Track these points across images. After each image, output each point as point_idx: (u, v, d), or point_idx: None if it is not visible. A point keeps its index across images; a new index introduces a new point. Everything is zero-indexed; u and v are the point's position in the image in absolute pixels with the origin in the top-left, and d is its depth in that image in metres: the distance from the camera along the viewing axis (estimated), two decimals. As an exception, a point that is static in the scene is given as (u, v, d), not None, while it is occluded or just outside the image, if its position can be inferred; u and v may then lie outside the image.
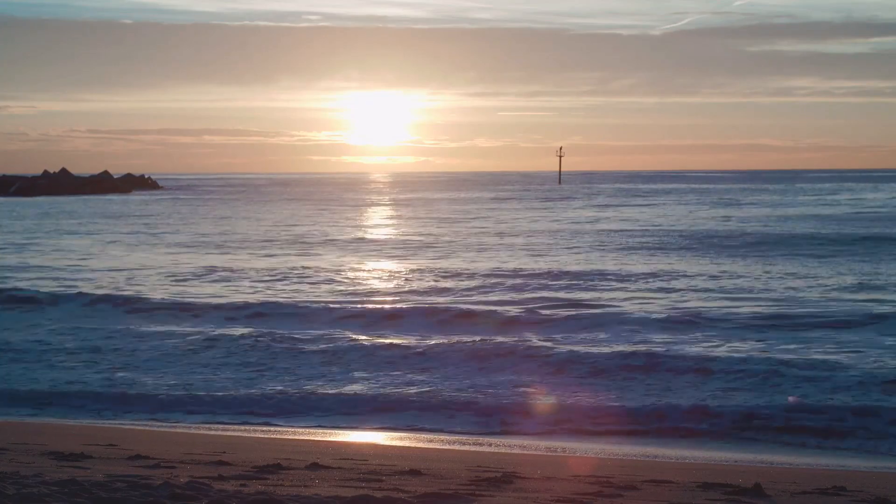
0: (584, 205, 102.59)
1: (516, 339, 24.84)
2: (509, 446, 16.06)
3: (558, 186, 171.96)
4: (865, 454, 15.84)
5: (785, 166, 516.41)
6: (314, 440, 15.96)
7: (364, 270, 42.32)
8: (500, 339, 24.83)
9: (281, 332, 26.38)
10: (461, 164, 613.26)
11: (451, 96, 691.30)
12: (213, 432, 16.74)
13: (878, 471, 14.16)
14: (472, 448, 15.64)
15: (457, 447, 15.69)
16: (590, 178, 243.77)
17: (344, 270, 41.97)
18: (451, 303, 31.78)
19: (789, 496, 10.78)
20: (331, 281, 38.40)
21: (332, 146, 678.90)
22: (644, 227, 65.33)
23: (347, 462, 12.42)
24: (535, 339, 24.73)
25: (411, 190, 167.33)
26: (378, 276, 40.31)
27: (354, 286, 36.94)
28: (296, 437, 16.34)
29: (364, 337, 25.49)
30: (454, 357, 22.91)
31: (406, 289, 36.00)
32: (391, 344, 24.46)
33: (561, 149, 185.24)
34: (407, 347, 24.01)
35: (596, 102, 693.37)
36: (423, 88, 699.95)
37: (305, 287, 36.61)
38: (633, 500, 10.28)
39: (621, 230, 63.16)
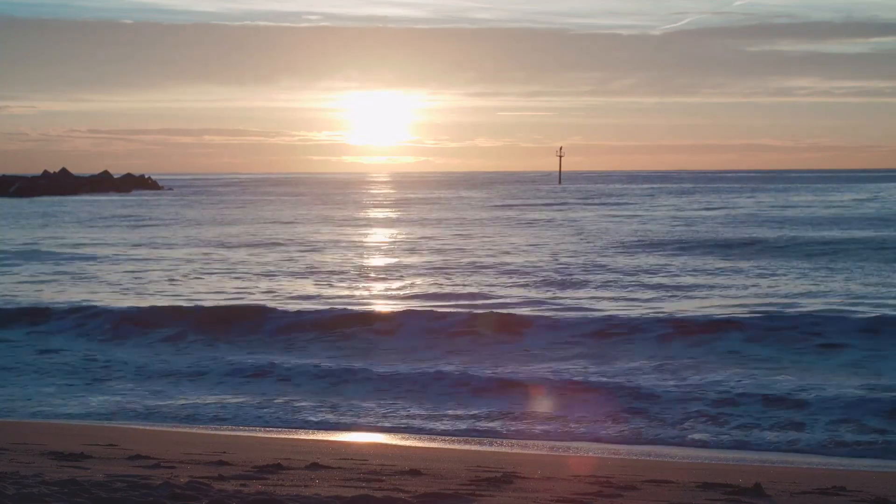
0: (583, 205, 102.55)
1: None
2: (509, 446, 16.05)
3: (558, 186, 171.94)
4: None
5: (785, 166, 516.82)
6: (314, 440, 15.96)
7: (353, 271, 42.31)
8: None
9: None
10: (461, 164, 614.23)
11: (452, 96, 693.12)
12: (213, 432, 16.73)
13: (878, 470, 14.16)
14: (472, 448, 15.63)
15: (457, 447, 15.69)
16: (590, 179, 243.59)
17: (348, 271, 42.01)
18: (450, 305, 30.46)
19: (789, 496, 10.78)
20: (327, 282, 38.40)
21: (332, 146, 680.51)
22: (650, 227, 65.33)
23: (347, 462, 12.42)
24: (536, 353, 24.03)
25: (413, 190, 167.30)
26: (369, 277, 40.23)
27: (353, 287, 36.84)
28: (296, 437, 16.33)
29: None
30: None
31: (399, 289, 35.50)
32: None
33: (561, 149, 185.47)
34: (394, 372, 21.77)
35: (596, 102, 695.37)
36: (423, 88, 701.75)
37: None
38: (633, 500, 10.28)
39: (622, 230, 63.16)
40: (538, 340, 24.92)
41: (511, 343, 24.91)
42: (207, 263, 44.85)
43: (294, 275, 40.18)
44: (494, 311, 28.14)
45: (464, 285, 36.17)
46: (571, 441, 16.40)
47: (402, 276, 39.42)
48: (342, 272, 41.11)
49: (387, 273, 40.84)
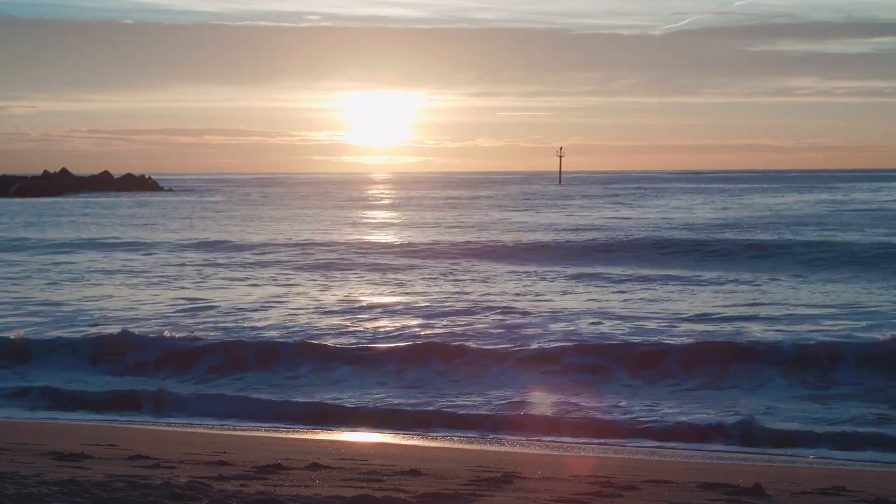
0: (583, 206, 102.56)
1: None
2: (509, 446, 16.05)
3: (559, 187, 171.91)
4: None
5: (785, 166, 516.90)
6: (314, 440, 15.96)
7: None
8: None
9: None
10: (462, 164, 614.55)
11: (452, 96, 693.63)
12: (213, 432, 16.74)
13: (878, 471, 14.16)
14: (472, 448, 15.63)
15: (457, 447, 15.68)
16: (592, 179, 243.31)
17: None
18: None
19: (789, 496, 10.78)
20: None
21: (332, 146, 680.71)
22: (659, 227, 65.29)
23: (347, 462, 12.42)
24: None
25: (417, 190, 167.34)
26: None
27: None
28: (296, 437, 16.34)
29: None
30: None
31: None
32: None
33: (561, 149, 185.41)
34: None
35: (597, 102, 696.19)
36: (423, 88, 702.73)
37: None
38: (633, 500, 10.28)
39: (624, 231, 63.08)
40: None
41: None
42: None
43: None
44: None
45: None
46: (571, 441, 16.40)
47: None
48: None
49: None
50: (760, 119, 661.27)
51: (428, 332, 25.16)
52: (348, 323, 27.09)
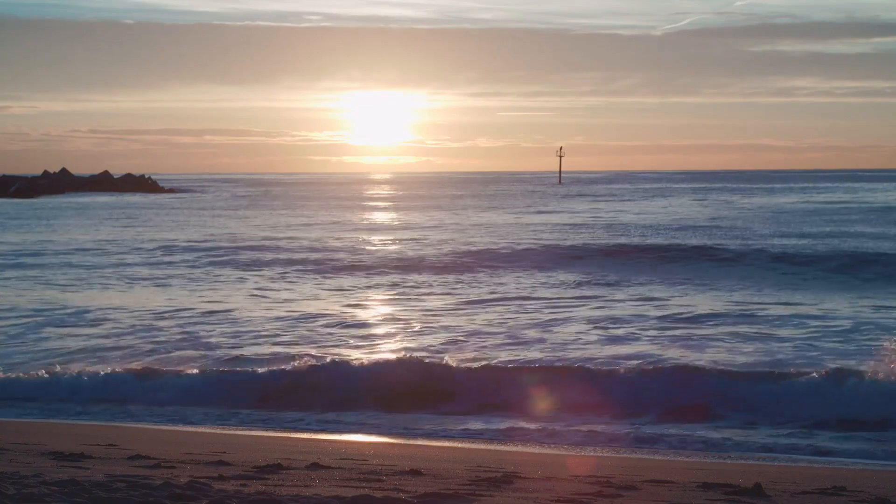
0: (581, 205, 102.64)
1: None
2: (509, 446, 16.05)
3: (558, 186, 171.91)
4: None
5: (786, 166, 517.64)
6: (314, 440, 15.95)
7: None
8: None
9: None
10: (462, 165, 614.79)
11: (453, 96, 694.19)
12: (213, 432, 16.74)
13: (878, 470, 14.15)
14: (472, 448, 15.62)
15: (457, 447, 15.68)
16: (592, 179, 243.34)
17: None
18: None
19: (789, 496, 10.77)
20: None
21: (333, 146, 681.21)
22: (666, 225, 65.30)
23: (347, 462, 12.42)
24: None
25: (417, 189, 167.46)
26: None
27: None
28: (296, 437, 16.33)
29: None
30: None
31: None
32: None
33: (561, 149, 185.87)
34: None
35: (597, 102, 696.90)
36: (424, 88, 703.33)
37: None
38: (633, 500, 10.28)
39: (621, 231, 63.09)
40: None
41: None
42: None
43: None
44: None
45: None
46: (571, 441, 16.40)
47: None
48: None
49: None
50: (760, 119, 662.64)
51: (416, 344, 24.34)
52: (344, 332, 27.07)
